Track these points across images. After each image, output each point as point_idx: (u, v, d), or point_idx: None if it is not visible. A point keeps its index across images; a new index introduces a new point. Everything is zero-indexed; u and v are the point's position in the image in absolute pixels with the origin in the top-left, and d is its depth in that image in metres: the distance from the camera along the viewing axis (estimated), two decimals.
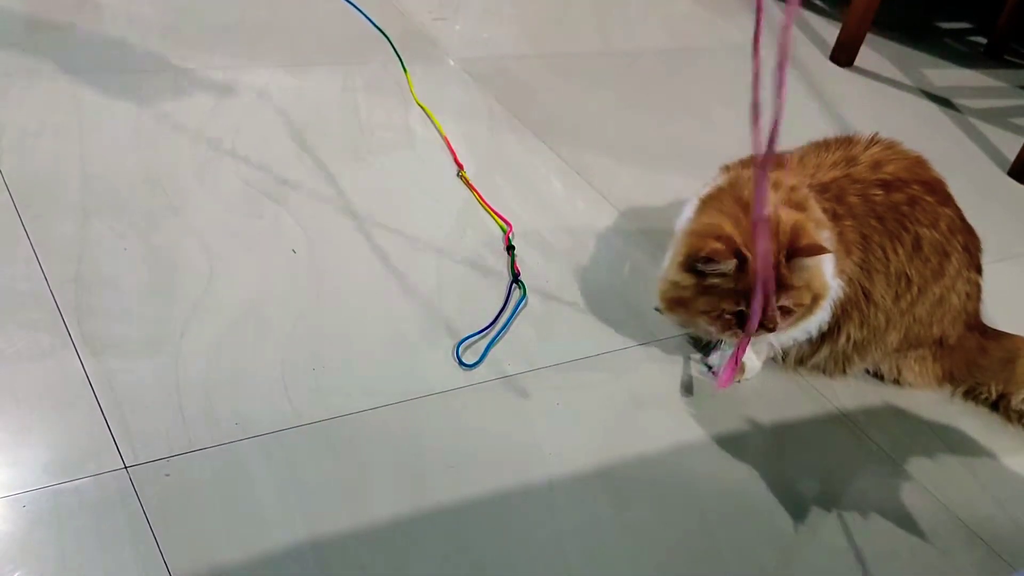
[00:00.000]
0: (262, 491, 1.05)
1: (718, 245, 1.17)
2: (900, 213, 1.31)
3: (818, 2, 2.75)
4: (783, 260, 1.17)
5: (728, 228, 1.19)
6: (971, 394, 1.42)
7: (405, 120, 1.78)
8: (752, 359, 1.35)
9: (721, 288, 1.20)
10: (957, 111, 2.35)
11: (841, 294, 1.28)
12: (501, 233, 1.54)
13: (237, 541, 0.99)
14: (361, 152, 1.67)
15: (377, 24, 2.02)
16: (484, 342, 1.31)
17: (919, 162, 1.39)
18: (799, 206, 1.23)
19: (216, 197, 1.47)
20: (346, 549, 1.01)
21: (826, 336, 1.33)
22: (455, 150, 1.70)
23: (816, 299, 1.23)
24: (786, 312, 1.21)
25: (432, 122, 1.78)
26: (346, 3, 2.07)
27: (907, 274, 1.31)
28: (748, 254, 1.16)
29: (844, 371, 1.39)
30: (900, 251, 1.31)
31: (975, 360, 1.40)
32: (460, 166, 1.67)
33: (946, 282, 1.34)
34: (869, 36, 2.43)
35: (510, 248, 1.49)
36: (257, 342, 1.24)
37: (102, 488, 1.01)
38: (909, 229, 1.31)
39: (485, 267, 1.46)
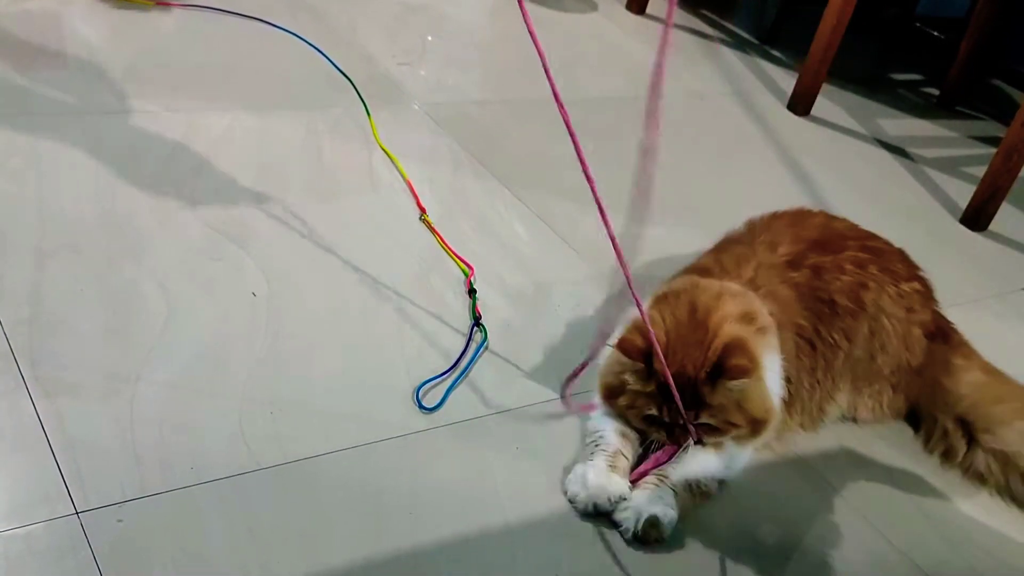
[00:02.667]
0: (216, 538, 1.03)
1: (632, 340, 1.15)
2: (814, 288, 1.34)
3: (776, 53, 2.81)
4: (702, 376, 1.14)
5: (655, 329, 1.15)
6: (928, 442, 1.43)
7: (368, 164, 1.79)
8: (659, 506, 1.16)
9: (633, 387, 1.18)
10: (911, 160, 2.40)
11: (785, 393, 1.27)
12: (463, 276, 1.54)
13: None
14: (323, 195, 1.67)
15: (341, 68, 2.04)
16: (444, 385, 1.31)
17: (796, 221, 1.44)
18: (748, 319, 1.21)
19: (176, 239, 1.46)
20: None
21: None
22: (418, 194, 1.71)
23: (757, 424, 1.19)
24: (711, 429, 1.17)
25: (395, 166, 1.79)
26: (310, 47, 2.08)
27: (831, 339, 1.34)
28: (658, 362, 1.13)
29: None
30: (823, 329, 1.33)
31: (938, 380, 1.41)
32: (423, 210, 1.68)
33: (870, 311, 1.36)
34: (825, 86, 2.49)
35: (471, 291, 1.50)
36: (214, 386, 1.22)
37: (53, 534, 0.99)
38: (824, 299, 1.34)
39: (446, 310, 1.46)
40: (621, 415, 1.23)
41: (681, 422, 1.16)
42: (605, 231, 1.07)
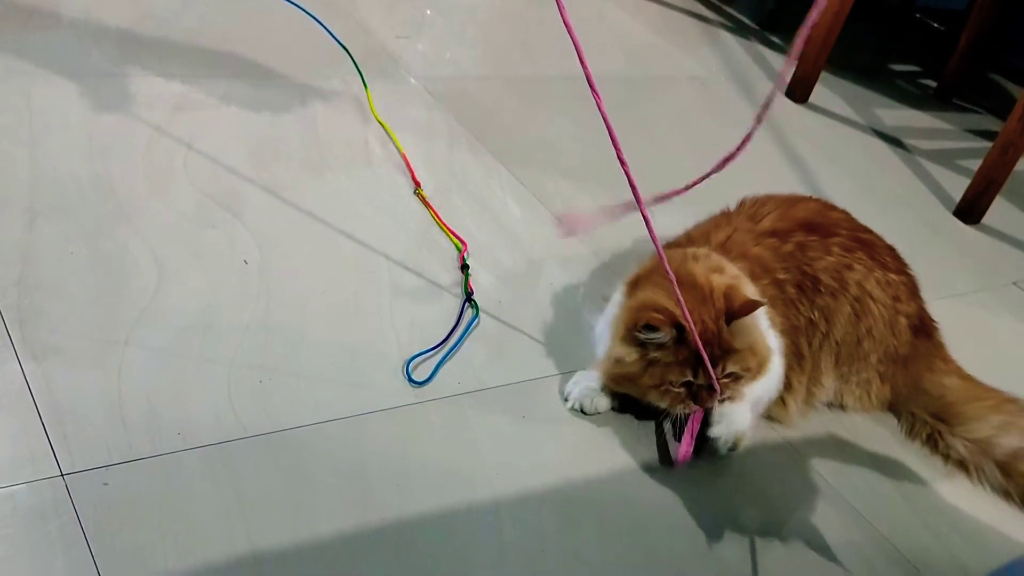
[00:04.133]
0: (203, 504, 1.03)
1: (657, 315, 1.17)
2: (797, 260, 1.35)
3: (775, 39, 2.80)
4: (723, 325, 1.18)
5: (663, 301, 1.19)
6: (911, 432, 1.43)
7: (364, 136, 1.78)
8: (747, 419, 1.26)
9: (663, 361, 1.19)
10: (907, 150, 2.40)
11: (780, 344, 1.29)
12: (456, 252, 1.54)
13: (175, 555, 0.97)
14: (318, 167, 1.66)
15: (339, 39, 2.02)
16: (435, 360, 1.31)
17: (790, 203, 1.44)
18: (718, 270, 1.25)
19: (168, 205, 1.45)
20: (287, 565, 1.00)
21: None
22: (413, 168, 1.70)
23: (762, 362, 1.22)
24: (735, 378, 1.21)
25: (391, 139, 1.78)
26: (308, 17, 2.07)
27: (810, 318, 1.34)
28: (686, 324, 1.15)
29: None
30: (804, 300, 1.34)
31: (920, 376, 1.42)
32: (417, 184, 1.67)
33: (853, 292, 1.36)
34: (824, 74, 2.48)
35: (464, 267, 1.49)
36: (204, 352, 1.22)
37: (37, 495, 0.99)
38: (807, 272, 1.35)
39: (439, 285, 1.46)
40: (642, 398, 1.24)
41: (710, 382, 1.18)
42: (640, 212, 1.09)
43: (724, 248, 1.34)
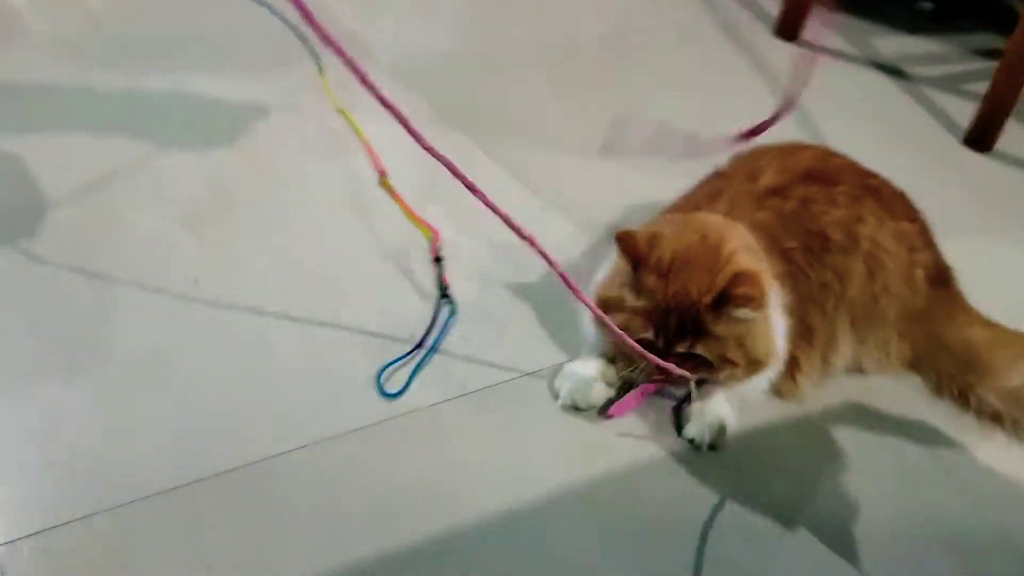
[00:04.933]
0: (155, 560, 0.93)
1: (627, 236, 1.09)
2: (802, 219, 1.24)
3: None
4: (706, 302, 1.07)
5: (650, 231, 1.11)
6: (938, 390, 1.32)
7: (322, 126, 1.66)
8: (725, 410, 1.19)
9: (628, 303, 1.10)
10: (907, 79, 2.26)
11: (788, 330, 1.19)
12: (428, 243, 1.42)
13: None
14: (273, 163, 1.54)
15: (289, 23, 1.89)
16: (409, 367, 1.20)
17: (787, 153, 1.32)
18: (752, 251, 1.14)
19: (109, 219, 1.35)
20: None
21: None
22: (377, 156, 1.59)
23: (754, 365, 1.12)
24: (705, 366, 1.10)
25: (352, 126, 1.66)
26: (254, 2, 1.94)
27: (822, 280, 1.23)
28: (642, 260, 1.07)
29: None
30: (814, 264, 1.23)
31: (939, 331, 1.31)
32: (382, 172, 1.55)
33: (864, 247, 1.25)
34: (814, 8, 2.33)
35: (438, 259, 1.38)
36: (151, 386, 1.12)
37: None
38: (814, 232, 1.23)
39: (411, 282, 1.35)
40: (612, 341, 1.14)
41: (675, 351, 1.08)
42: None
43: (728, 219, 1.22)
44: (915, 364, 1.33)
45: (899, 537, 1.11)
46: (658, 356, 1.09)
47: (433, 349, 1.23)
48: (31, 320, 1.17)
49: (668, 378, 1.13)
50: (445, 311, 1.30)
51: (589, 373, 1.18)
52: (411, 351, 1.21)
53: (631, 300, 1.10)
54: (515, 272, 1.40)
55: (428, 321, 1.27)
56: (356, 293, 1.31)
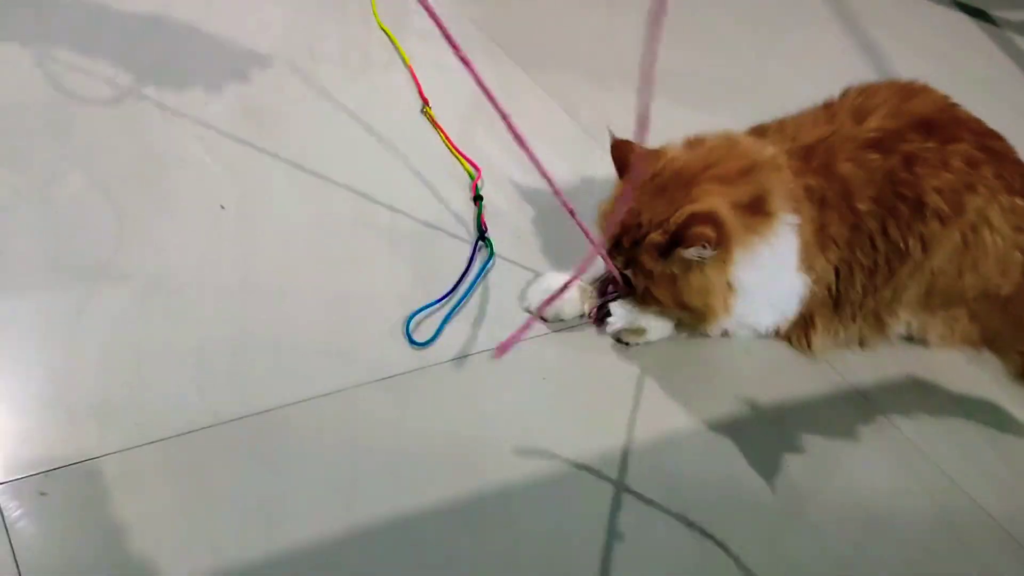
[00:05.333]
0: (158, 508, 0.88)
1: (626, 145, 1.10)
2: (897, 182, 1.12)
3: None
4: (654, 238, 1.05)
5: (663, 151, 1.10)
6: (1022, 375, 1.22)
7: (365, 45, 1.57)
8: (658, 323, 1.15)
9: (603, 207, 1.12)
10: (993, 24, 2.10)
11: (807, 292, 1.14)
12: (469, 180, 1.34)
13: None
14: (309, 85, 1.46)
15: None
16: (440, 314, 1.12)
17: (905, 94, 1.19)
18: (754, 205, 1.08)
19: (130, 140, 1.28)
20: None
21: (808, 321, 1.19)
22: (421, 82, 1.49)
23: (687, 309, 1.10)
24: (628, 283, 1.11)
25: (396, 49, 1.56)
26: None
27: (903, 244, 1.13)
28: (627, 180, 1.09)
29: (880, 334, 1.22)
30: (892, 228, 1.13)
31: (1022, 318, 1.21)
32: (425, 101, 1.46)
33: (969, 218, 1.13)
34: None
35: (477, 198, 1.30)
36: (168, 321, 1.05)
37: None
38: (907, 196, 1.12)
39: (447, 222, 1.27)
40: None
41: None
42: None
43: (807, 153, 1.13)
44: (996, 346, 1.23)
45: (952, 531, 1.03)
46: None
47: (466, 296, 1.16)
48: (45, 245, 1.11)
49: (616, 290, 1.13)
50: (483, 255, 1.22)
51: (559, 285, 1.11)
52: (443, 297, 1.14)
53: (607, 204, 1.11)
54: (562, 216, 1.30)
55: (464, 266, 1.19)
56: (390, 232, 1.23)
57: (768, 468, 1.04)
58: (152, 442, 0.93)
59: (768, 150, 1.13)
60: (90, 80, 1.37)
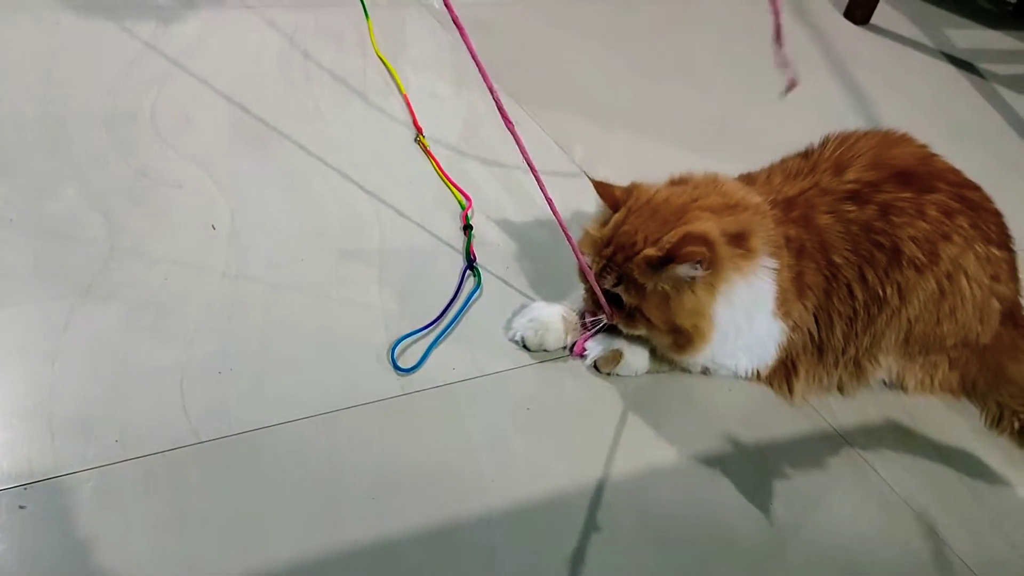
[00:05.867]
0: (137, 525, 0.88)
1: (612, 186, 1.11)
2: (873, 231, 1.15)
3: None
4: (649, 253, 1.05)
5: (641, 184, 1.12)
6: (998, 423, 1.23)
7: (361, 73, 1.58)
8: (636, 354, 1.17)
9: (590, 231, 1.13)
10: (980, 76, 2.14)
11: (784, 339, 1.16)
12: (459, 209, 1.35)
13: None
14: (304, 109, 1.47)
15: None
16: (426, 341, 1.13)
17: (884, 144, 1.21)
18: (739, 239, 1.09)
19: (127, 158, 1.28)
20: None
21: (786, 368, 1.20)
22: (415, 111, 1.51)
23: (676, 332, 1.09)
24: (626, 316, 1.10)
25: (392, 77, 1.58)
26: None
27: (880, 291, 1.15)
28: (619, 207, 1.10)
29: (858, 383, 1.23)
30: (870, 276, 1.15)
31: (1003, 365, 1.22)
32: (419, 129, 1.48)
33: (944, 267, 1.15)
34: None
35: (467, 227, 1.31)
36: (154, 338, 1.06)
37: None
38: (884, 245, 1.14)
39: (437, 249, 1.27)
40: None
41: (602, 285, 1.10)
42: None
43: (788, 205, 1.15)
44: (974, 394, 1.24)
45: (923, 572, 1.03)
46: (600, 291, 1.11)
47: (453, 324, 1.16)
48: (37, 258, 1.11)
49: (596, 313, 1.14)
50: (470, 284, 1.23)
51: (548, 316, 1.16)
52: (430, 324, 1.15)
53: (594, 229, 1.12)
54: (550, 248, 1.32)
55: (451, 293, 1.20)
56: (379, 259, 1.24)
57: (747, 507, 1.05)
58: (133, 458, 0.93)
59: (755, 198, 1.15)
60: (89, 102, 1.37)
